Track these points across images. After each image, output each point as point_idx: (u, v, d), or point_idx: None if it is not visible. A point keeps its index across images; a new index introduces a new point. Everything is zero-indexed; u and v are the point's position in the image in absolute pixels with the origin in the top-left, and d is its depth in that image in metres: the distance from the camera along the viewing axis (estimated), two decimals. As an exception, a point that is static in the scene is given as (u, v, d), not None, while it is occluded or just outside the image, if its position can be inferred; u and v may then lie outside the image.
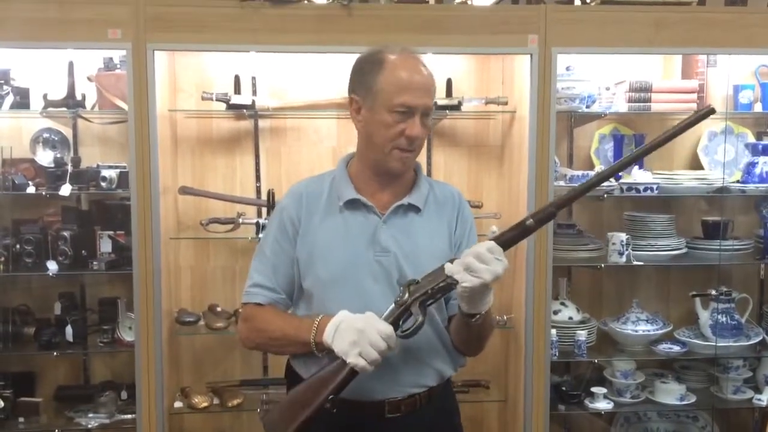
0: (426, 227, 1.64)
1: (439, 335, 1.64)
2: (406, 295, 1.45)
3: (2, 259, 2.79)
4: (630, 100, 2.94)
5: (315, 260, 1.59)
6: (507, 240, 1.49)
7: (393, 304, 1.46)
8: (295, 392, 1.51)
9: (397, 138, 1.53)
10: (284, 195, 1.69)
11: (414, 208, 1.63)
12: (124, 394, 2.95)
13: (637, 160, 1.32)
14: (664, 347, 3.04)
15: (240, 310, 1.70)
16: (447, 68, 3.11)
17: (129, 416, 2.85)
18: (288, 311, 1.68)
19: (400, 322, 1.45)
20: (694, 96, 2.96)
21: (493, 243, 1.46)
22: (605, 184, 2.88)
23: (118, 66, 2.84)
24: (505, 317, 3.00)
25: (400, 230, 1.61)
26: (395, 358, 1.54)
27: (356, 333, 1.41)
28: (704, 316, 3.07)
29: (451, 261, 1.47)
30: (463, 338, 1.62)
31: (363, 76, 1.58)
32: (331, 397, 1.43)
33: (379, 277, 1.57)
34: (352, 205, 1.61)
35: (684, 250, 3.04)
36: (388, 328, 1.41)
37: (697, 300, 3.09)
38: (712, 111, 1.51)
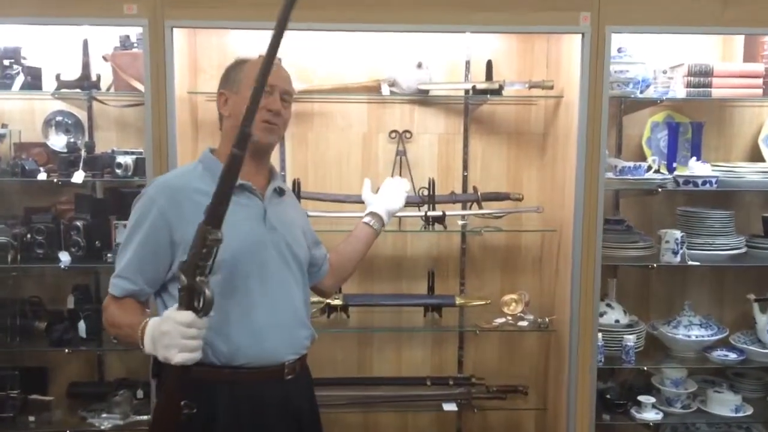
0: (291, 207, 1.90)
1: (305, 297, 1.85)
2: (182, 277, 1.45)
3: (16, 244, 2.63)
4: (688, 85, 2.68)
5: None
6: (224, 180, 1.42)
7: (178, 293, 1.48)
8: (154, 415, 1.57)
9: (261, 111, 1.66)
10: (151, 188, 1.71)
11: (280, 191, 1.84)
12: (139, 393, 2.81)
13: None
14: (719, 354, 2.81)
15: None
16: (486, 49, 2.89)
17: (144, 417, 2.70)
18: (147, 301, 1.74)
19: (195, 304, 1.46)
20: (760, 81, 2.69)
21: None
22: (659, 176, 2.70)
23: (135, 44, 2.67)
24: (547, 319, 2.78)
25: (279, 210, 1.80)
26: (290, 321, 1.75)
27: (165, 336, 1.46)
28: (762, 321, 2.83)
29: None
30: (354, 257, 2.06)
31: (229, 74, 1.79)
32: (183, 402, 1.49)
33: (274, 252, 1.74)
34: (237, 189, 1.63)
35: (743, 250, 2.79)
36: (187, 316, 1.45)
37: (755, 303, 2.85)
38: None
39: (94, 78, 2.70)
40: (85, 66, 2.69)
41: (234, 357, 1.67)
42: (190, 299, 1.46)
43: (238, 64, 1.80)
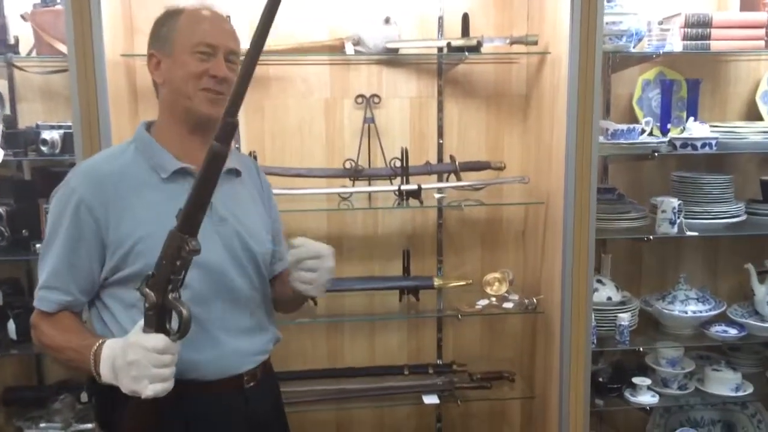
0: (247, 191, 1.61)
1: (264, 297, 1.62)
2: (150, 294, 1.25)
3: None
4: (685, 38, 2.43)
5: (145, 244, 1.40)
6: (202, 181, 1.19)
7: (145, 312, 1.27)
8: None
9: (202, 78, 1.45)
10: (72, 176, 1.45)
11: (235, 172, 1.57)
12: (83, 397, 2.50)
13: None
14: (718, 330, 2.61)
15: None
16: (461, 1, 2.58)
17: (89, 426, 2.40)
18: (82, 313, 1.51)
19: (167, 325, 1.26)
20: (762, 32, 2.45)
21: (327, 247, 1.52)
22: (654, 140, 2.46)
23: (58, 0, 2.29)
24: (534, 299, 2.54)
25: (230, 196, 1.52)
26: (247, 327, 1.52)
27: (133, 367, 1.24)
28: (761, 292, 2.65)
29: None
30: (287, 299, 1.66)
31: (160, 28, 1.51)
32: None
33: (221, 249, 1.47)
34: (176, 175, 1.47)
35: (743, 217, 2.58)
36: (159, 340, 1.24)
37: (753, 273, 2.65)
38: None
39: (11, 41, 2.35)
40: (1, 28, 2.34)
41: (184, 371, 1.41)
42: (161, 320, 1.25)
43: (170, 16, 1.50)
